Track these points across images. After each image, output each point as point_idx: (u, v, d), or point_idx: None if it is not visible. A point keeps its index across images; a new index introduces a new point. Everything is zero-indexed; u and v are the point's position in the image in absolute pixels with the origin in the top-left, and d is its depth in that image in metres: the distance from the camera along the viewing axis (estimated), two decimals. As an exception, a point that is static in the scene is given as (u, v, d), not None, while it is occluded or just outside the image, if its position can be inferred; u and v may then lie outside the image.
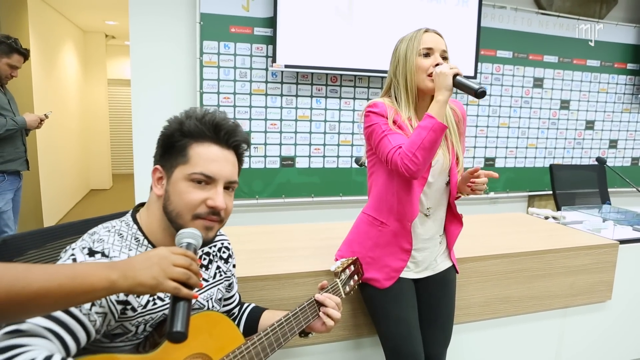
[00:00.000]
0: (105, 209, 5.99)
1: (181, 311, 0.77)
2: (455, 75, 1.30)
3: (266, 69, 3.46)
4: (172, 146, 0.98)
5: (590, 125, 4.58)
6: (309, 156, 3.72)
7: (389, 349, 1.45)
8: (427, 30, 1.42)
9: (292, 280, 1.54)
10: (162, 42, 3.31)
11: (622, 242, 2.13)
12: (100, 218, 1.24)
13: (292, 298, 1.53)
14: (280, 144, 3.61)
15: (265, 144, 3.56)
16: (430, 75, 1.36)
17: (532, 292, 1.93)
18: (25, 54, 2.73)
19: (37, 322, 0.75)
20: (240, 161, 1.06)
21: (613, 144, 4.73)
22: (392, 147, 1.31)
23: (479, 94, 1.26)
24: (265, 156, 3.57)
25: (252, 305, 1.30)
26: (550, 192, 3.29)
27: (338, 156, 3.81)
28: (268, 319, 1.22)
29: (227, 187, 1.00)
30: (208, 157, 0.97)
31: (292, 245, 1.87)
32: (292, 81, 3.56)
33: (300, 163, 3.69)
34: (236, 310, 1.27)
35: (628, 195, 4.58)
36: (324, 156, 3.78)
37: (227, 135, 1.00)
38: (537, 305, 1.96)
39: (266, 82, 3.50)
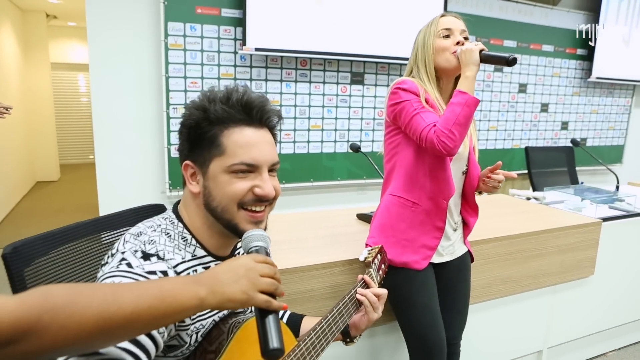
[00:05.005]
0: (55, 202, 5.56)
1: (273, 325, 0.71)
2: (481, 51, 1.30)
3: (235, 52, 3.32)
4: (201, 138, 0.87)
5: (544, 108, 4.79)
6: (280, 142, 3.62)
7: (413, 337, 1.44)
8: (443, 15, 1.43)
9: (307, 273, 1.48)
10: (123, 24, 3.07)
11: (603, 220, 2.24)
12: (112, 215, 1.13)
13: (309, 291, 1.48)
14: (250, 130, 3.49)
15: (235, 131, 3.43)
16: (454, 53, 1.35)
17: (527, 272, 1.99)
18: None
19: None
20: (275, 136, 0.95)
21: (564, 125, 4.98)
22: (427, 125, 1.28)
23: (511, 61, 1.27)
24: (235, 143, 3.44)
25: (289, 312, 1.22)
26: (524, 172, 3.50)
27: (308, 141, 3.75)
28: (309, 325, 1.12)
29: (271, 169, 0.91)
30: (245, 142, 0.86)
31: (297, 236, 1.80)
32: (262, 65, 3.44)
33: (271, 149, 3.59)
34: None
35: (590, 174, 4.91)
36: (294, 142, 3.69)
37: (260, 113, 0.89)
38: (532, 284, 2.02)
39: (235, 65, 3.35)
